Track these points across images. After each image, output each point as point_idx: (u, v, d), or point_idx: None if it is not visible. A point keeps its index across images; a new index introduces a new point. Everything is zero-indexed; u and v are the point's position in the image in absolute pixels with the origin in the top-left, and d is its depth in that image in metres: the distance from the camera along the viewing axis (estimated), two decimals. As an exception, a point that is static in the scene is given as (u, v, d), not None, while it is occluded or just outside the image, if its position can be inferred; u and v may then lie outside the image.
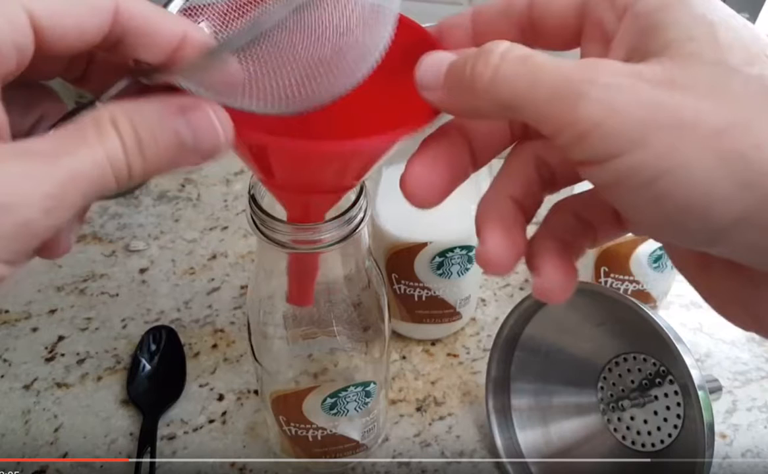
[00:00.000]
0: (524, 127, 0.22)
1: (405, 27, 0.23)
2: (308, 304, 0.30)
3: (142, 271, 0.55)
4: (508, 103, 0.18)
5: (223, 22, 0.23)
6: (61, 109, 0.21)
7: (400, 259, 0.45)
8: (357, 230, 0.29)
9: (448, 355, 0.50)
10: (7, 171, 0.16)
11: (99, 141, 0.17)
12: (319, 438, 0.40)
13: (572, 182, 0.22)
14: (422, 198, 0.21)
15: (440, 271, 0.45)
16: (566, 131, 0.17)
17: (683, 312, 0.53)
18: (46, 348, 0.50)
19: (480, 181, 0.43)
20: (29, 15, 0.17)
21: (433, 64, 0.20)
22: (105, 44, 0.19)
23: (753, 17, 0.55)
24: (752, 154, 0.15)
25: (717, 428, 0.45)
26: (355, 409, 0.39)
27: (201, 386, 0.48)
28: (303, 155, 0.21)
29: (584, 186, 0.20)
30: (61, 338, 0.50)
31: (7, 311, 0.52)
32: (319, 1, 0.18)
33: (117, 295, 0.53)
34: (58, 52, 0.18)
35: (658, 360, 0.41)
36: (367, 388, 0.38)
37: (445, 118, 0.22)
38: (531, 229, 0.22)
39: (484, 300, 0.54)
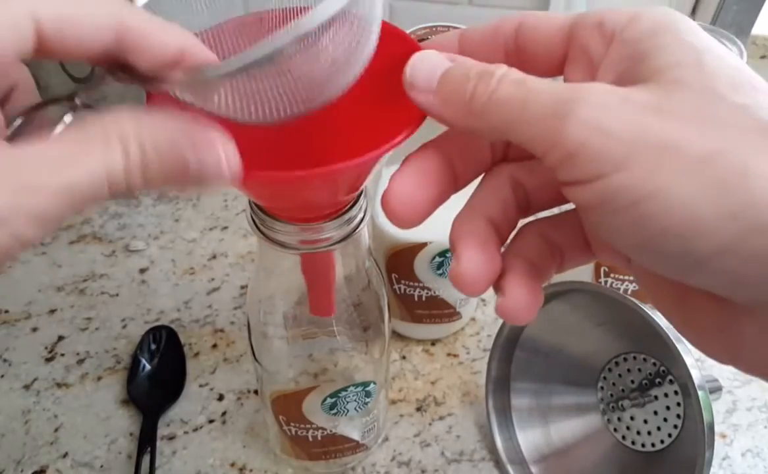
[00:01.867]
0: (504, 149, 0.22)
1: (386, 33, 0.23)
2: (329, 314, 0.31)
3: (142, 271, 0.55)
4: (499, 127, 0.18)
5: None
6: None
7: (400, 259, 0.45)
8: (357, 230, 0.29)
9: (448, 355, 0.50)
10: (12, 182, 0.16)
11: (103, 155, 0.17)
12: (319, 438, 0.40)
13: (547, 207, 0.22)
14: (403, 218, 0.21)
15: (440, 271, 0.45)
16: (554, 151, 0.17)
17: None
18: (46, 348, 0.50)
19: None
20: (35, 23, 0.17)
21: (426, 67, 0.20)
22: (102, 56, 0.19)
23: (753, 17, 0.55)
24: (736, 182, 0.15)
25: (717, 428, 0.45)
26: (355, 409, 0.39)
27: (201, 386, 0.48)
28: (284, 183, 0.21)
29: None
30: (61, 338, 0.50)
31: (7, 311, 0.52)
32: (318, 31, 0.18)
33: (117, 295, 0.53)
34: (56, 57, 0.18)
35: (658, 360, 0.41)
36: (367, 388, 0.38)
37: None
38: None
39: (484, 300, 0.54)
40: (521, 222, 0.23)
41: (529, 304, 0.21)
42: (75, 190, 0.16)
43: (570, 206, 0.22)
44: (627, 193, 0.16)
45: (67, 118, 0.19)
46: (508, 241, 0.22)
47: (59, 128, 0.18)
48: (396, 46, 0.23)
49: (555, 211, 0.23)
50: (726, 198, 0.15)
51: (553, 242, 0.22)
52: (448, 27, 0.40)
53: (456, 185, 0.22)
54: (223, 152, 0.19)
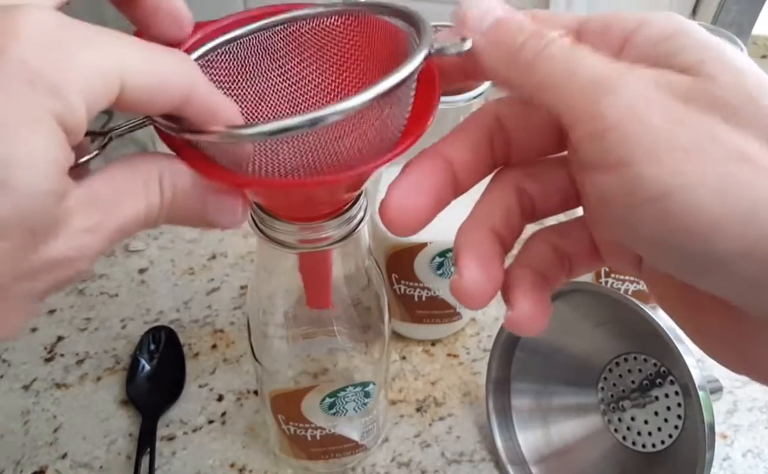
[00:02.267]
0: (507, 152, 0.22)
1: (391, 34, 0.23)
2: (326, 306, 0.31)
3: (142, 271, 0.55)
4: (540, 85, 0.18)
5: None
6: None
7: (400, 259, 0.45)
8: (357, 230, 0.29)
9: (448, 355, 0.50)
10: (74, 228, 0.17)
11: (145, 196, 0.19)
12: (318, 438, 0.39)
13: (552, 213, 0.22)
14: (403, 226, 0.21)
15: (440, 271, 0.45)
16: (585, 123, 0.17)
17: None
18: (46, 348, 0.50)
19: (481, 182, 0.43)
20: (121, 84, 0.17)
21: (482, 6, 0.20)
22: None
23: (753, 17, 0.55)
24: (762, 184, 0.15)
25: (718, 428, 0.45)
26: (354, 409, 0.39)
27: (200, 386, 0.48)
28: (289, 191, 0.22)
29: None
30: (60, 338, 0.50)
31: (6, 311, 0.52)
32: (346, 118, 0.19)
33: (116, 295, 0.53)
34: (120, 111, 0.19)
35: (658, 360, 0.41)
36: (366, 389, 0.38)
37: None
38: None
39: (484, 300, 0.54)
40: (529, 229, 0.23)
41: (538, 317, 0.21)
42: (123, 229, 0.19)
43: (577, 212, 0.22)
44: (655, 185, 0.16)
45: (94, 149, 0.20)
46: (516, 247, 0.22)
47: (86, 157, 0.20)
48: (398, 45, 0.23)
49: (561, 217, 0.23)
50: (751, 198, 0.15)
51: (562, 250, 0.22)
52: (449, 27, 0.40)
53: (456, 191, 0.22)
54: (240, 208, 0.21)
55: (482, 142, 0.22)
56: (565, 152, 0.22)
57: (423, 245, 0.44)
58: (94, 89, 0.16)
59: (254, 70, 0.24)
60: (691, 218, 0.15)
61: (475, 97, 0.38)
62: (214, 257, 0.56)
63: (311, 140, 0.20)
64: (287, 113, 0.24)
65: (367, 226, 0.31)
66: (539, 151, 0.22)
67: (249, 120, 0.24)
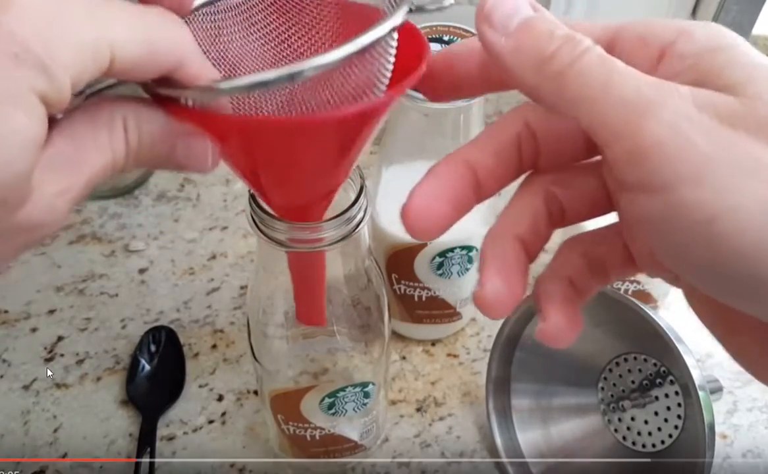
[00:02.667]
0: (534, 159, 0.21)
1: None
2: (321, 324, 0.30)
3: (142, 271, 0.55)
4: (572, 99, 0.17)
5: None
6: None
7: (400, 259, 0.45)
8: (357, 230, 0.29)
9: (448, 355, 0.50)
10: (44, 193, 0.17)
11: (111, 147, 0.19)
12: (317, 437, 0.39)
13: (582, 219, 0.21)
14: (423, 231, 0.20)
15: (440, 271, 0.45)
16: (623, 143, 0.16)
17: (684, 312, 0.53)
18: (46, 348, 0.50)
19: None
20: (111, 55, 0.17)
21: (508, 5, 0.18)
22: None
23: (753, 17, 0.55)
24: None
25: (718, 429, 0.45)
26: (353, 409, 0.39)
27: (201, 387, 0.48)
28: (285, 129, 0.21)
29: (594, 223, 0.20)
30: (60, 338, 0.50)
31: (6, 311, 0.52)
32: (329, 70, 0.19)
33: (116, 295, 0.53)
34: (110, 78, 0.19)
35: (658, 360, 0.41)
36: (366, 389, 0.38)
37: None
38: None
39: (485, 300, 0.54)
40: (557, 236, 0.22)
41: (570, 329, 0.20)
42: (91, 184, 0.18)
43: (609, 219, 0.21)
44: (702, 209, 0.15)
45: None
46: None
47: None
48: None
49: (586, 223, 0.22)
50: None
51: (595, 258, 0.21)
52: (448, 27, 0.40)
53: (479, 197, 0.21)
54: (210, 150, 0.21)
55: (509, 148, 0.21)
56: (596, 158, 0.21)
57: (423, 245, 0.44)
58: (82, 63, 0.16)
59: (233, 34, 0.24)
60: (737, 242, 0.15)
61: (475, 97, 0.38)
62: (214, 257, 0.56)
63: (290, 95, 0.20)
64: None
65: (367, 226, 0.31)
66: (569, 158, 0.21)
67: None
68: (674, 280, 0.20)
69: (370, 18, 0.22)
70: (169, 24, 0.19)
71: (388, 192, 0.44)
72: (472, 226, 0.45)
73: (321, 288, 0.29)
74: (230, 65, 0.24)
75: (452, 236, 0.44)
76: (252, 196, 0.29)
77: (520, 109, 0.21)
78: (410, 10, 0.20)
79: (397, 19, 0.19)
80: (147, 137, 0.19)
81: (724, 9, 0.54)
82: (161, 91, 0.20)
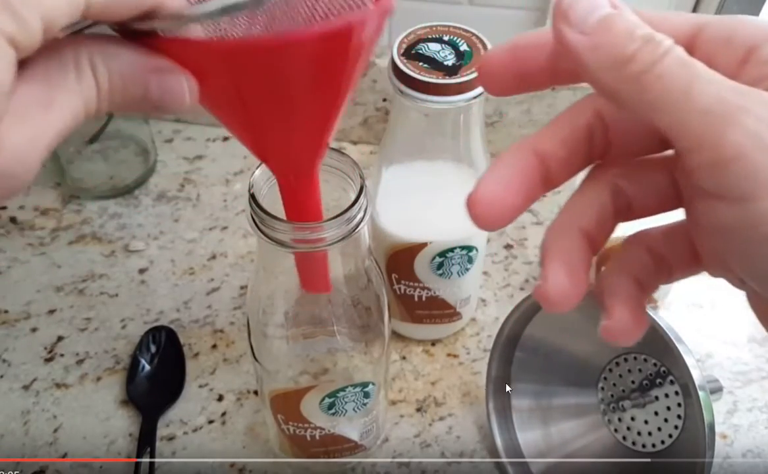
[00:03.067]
0: (604, 150, 0.21)
1: None
2: (326, 290, 0.29)
3: (142, 271, 0.55)
4: (651, 103, 0.17)
5: None
6: None
7: (400, 259, 0.45)
8: (357, 230, 0.29)
9: (448, 355, 0.50)
10: (12, 142, 0.16)
11: (78, 86, 0.18)
12: (317, 437, 0.39)
13: (649, 214, 0.21)
14: (490, 221, 0.20)
15: (440, 271, 0.45)
16: (704, 151, 0.16)
17: (684, 312, 0.53)
18: (46, 348, 0.50)
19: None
20: (88, 3, 0.17)
21: (588, 2, 0.17)
22: None
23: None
24: None
25: (718, 429, 0.45)
26: (353, 409, 0.39)
27: (200, 387, 0.48)
28: (271, 48, 0.19)
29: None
30: (60, 338, 0.50)
31: (6, 311, 0.52)
32: None
33: (116, 295, 0.53)
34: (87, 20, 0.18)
35: (658, 360, 0.41)
36: (366, 389, 0.38)
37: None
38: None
39: (485, 300, 0.54)
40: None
41: (635, 327, 0.20)
42: (62, 132, 0.18)
43: (677, 215, 0.21)
44: None
45: None
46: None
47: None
48: None
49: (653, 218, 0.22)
50: None
51: (660, 255, 0.21)
52: (448, 27, 0.40)
53: (546, 187, 0.20)
54: (186, 84, 0.20)
55: (579, 138, 0.20)
56: (668, 152, 0.21)
57: (423, 245, 0.44)
58: (56, 8, 0.16)
59: None
60: None
61: (475, 97, 0.38)
62: (214, 257, 0.56)
63: (269, 18, 0.20)
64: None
65: (367, 226, 0.31)
66: (640, 151, 0.21)
67: None
68: (740, 284, 0.20)
69: None
70: None
71: (388, 192, 0.44)
72: (472, 227, 0.45)
73: (324, 257, 0.29)
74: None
75: (452, 236, 0.44)
76: (252, 196, 0.29)
77: (591, 98, 0.20)
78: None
79: None
80: (117, 76, 0.18)
81: (724, 9, 0.54)
82: (132, 26, 0.19)
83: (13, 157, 0.16)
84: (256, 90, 0.21)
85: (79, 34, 0.18)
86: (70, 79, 0.18)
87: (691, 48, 0.18)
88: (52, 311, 0.52)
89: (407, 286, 0.46)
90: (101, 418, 0.46)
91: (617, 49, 0.17)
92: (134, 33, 0.19)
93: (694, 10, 0.57)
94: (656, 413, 0.41)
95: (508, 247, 0.57)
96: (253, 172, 0.30)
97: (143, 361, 0.48)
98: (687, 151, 0.16)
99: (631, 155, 0.21)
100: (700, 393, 0.34)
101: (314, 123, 0.23)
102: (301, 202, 0.27)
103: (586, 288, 0.20)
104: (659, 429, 0.41)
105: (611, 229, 0.21)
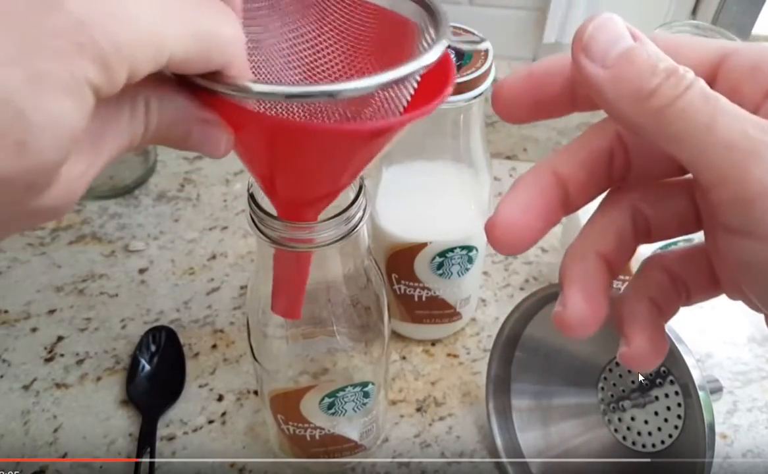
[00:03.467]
0: (624, 173, 0.20)
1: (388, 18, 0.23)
2: (295, 317, 0.29)
3: (142, 271, 0.55)
4: (673, 137, 0.16)
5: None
6: None
7: (400, 259, 0.45)
8: (356, 229, 0.29)
9: (448, 355, 0.50)
10: (67, 177, 0.17)
11: (130, 125, 0.18)
12: (317, 437, 0.39)
13: (668, 237, 0.21)
14: (509, 245, 0.19)
15: (440, 271, 0.45)
16: (728, 187, 0.16)
17: (684, 312, 0.53)
18: (46, 348, 0.50)
19: (481, 182, 0.43)
20: (170, 57, 0.17)
21: (607, 36, 0.17)
22: None
23: (753, 17, 0.55)
24: None
25: (718, 429, 0.45)
26: (353, 409, 0.39)
27: (200, 387, 0.48)
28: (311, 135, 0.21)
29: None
30: (60, 338, 0.50)
31: (6, 311, 0.52)
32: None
33: (116, 295, 0.53)
34: None
35: (658, 360, 0.41)
36: (366, 389, 0.38)
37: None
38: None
39: (485, 300, 0.54)
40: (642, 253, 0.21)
41: (654, 352, 0.20)
42: (107, 165, 0.18)
43: (697, 238, 0.20)
44: None
45: None
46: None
47: None
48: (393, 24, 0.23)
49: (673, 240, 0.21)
50: None
51: (679, 278, 0.21)
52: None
53: (566, 210, 0.20)
54: (224, 137, 0.20)
55: (600, 161, 0.20)
56: (688, 176, 0.20)
57: (423, 245, 0.44)
58: (143, 58, 0.16)
59: (265, 30, 0.24)
60: None
61: (475, 97, 0.38)
62: (214, 257, 0.56)
63: (321, 107, 0.21)
64: (292, 76, 0.24)
65: (366, 226, 0.31)
66: (661, 175, 0.21)
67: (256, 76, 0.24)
68: (758, 309, 0.19)
69: (399, 28, 0.23)
70: (228, 20, 0.18)
71: (388, 192, 0.44)
72: (472, 226, 0.45)
73: (303, 284, 0.29)
74: (259, 61, 0.24)
75: (452, 236, 0.44)
76: (252, 196, 0.29)
77: (611, 120, 0.20)
78: (448, 47, 0.20)
79: (438, 53, 0.20)
80: (167, 120, 0.19)
81: (724, 9, 0.54)
82: (196, 80, 0.19)
83: (65, 191, 0.16)
84: (283, 158, 0.22)
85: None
86: (124, 117, 0.18)
87: (714, 76, 0.18)
88: (52, 311, 0.52)
89: (407, 286, 0.46)
90: (101, 418, 0.46)
91: (639, 84, 0.17)
92: (190, 83, 0.19)
93: (694, 9, 0.57)
94: (656, 413, 0.41)
95: (508, 247, 0.57)
96: (253, 172, 0.30)
97: (143, 361, 0.48)
98: (711, 186, 0.16)
99: (652, 178, 0.21)
100: (700, 393, 0.34)
101: (329, 187, 0.24)
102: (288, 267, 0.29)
103: (605, 313, 0.20)
104: (659, 429, 0.41)
105: (631, 253, 0.21)
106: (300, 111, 0.23)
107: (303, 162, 0.22)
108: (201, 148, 0.20)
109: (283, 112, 0.23)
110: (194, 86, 0.19)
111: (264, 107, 0.23)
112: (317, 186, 0.24)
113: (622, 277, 0.47)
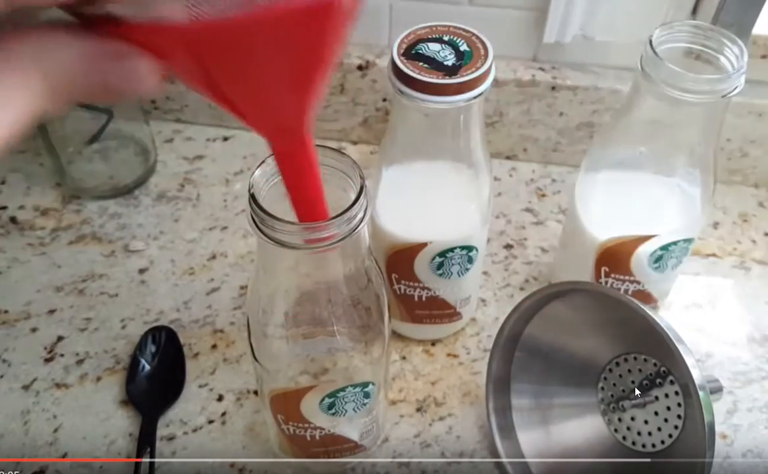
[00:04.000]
0: None
1: None
2: (325, 217, 0.28)
3: (142, 271, 0.55)
4: None
5: None
6: None
7: (400, 259, 0.45)
8: (357, 230, 0.29)
9: (448, 355, 0.50)
10: None
11: (27, 84, 0.17)
12: (317, 438, 0.39)
13: None
14: None
15: (440, 271, 0.45)
16: None
17: (684, 312, 0.53)
18: (46, 348, 0.50)
19: (481, 182, 0.43)
20: None
21: None
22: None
23: (753, 17, 0.55)
24: None
25: (718, 428, 0.45)
26: (353, 409, 0.39)
27: (200, 387, 0.48)
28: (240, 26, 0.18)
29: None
30: (60, 338, 0.50)
31: (6, 311, 0.52)
32: None
33: (116, 295, 0.53)
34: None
35: (658, 360, 0.41)
36: (366, 389, 0.38)
37: None
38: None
39: (485, 300, 0.54)
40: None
41: None
42: (19, 132, 0.17)
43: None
44: None
45: None
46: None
47: None
48: None
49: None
50: None
51: None
52: (448, 27, 0.40)
53: None
54: (146, 68, 0.19)
55: None
56: None
57: (423, 245, 0.44)
58: None
59: None
60: None
61: (475, 97, 0.38)
62: (214, 257, 0.56)
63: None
64: None
65: (367, 226, 0.31)
66: None
67: None
68: None
69: None
70: None
71: (388, 192, 0.44)
72: (472, 226, 0.45)
73: (317, 180, 0.27)
74: None
75: (452, 236, 0.44)
76: (252, 196, 0.29)
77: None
78: None
79: None
80: (69, 68, 0.17)
81: (724, 9, 0.54)
82: (85, 11, 0.18)
83: None
84: (224, 69, 0.20)
85: (26, 25, 0.17)
86: (17, 78, 0.17)
87: None
88: (52, 311, 0.52)
89: (407, 286, 0.46)
90: (101, 418, 0.46)
91: None
92: (90, 19, 0.18)
93: (694, 9, 0.57)
94: (656, 413, 0.41)
95: (508, 247, 0.57)
96: (253, 172, 0.30)
97: (143, 361, 0.48)
98: None
99: None
100: (700, 393, 0.34)
101: (294, 92, 0.22)
102: (299, 173, 0.26)
103: None
104: (659, 429, 0.41)
105: None
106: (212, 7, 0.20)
107: (240, 68, 0.19)
108: (125, 87, 0.19)
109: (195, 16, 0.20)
110: (93, 24, 0.18)
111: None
112: (278, 93, 0.21)
113: (622, 277, 0.47)
